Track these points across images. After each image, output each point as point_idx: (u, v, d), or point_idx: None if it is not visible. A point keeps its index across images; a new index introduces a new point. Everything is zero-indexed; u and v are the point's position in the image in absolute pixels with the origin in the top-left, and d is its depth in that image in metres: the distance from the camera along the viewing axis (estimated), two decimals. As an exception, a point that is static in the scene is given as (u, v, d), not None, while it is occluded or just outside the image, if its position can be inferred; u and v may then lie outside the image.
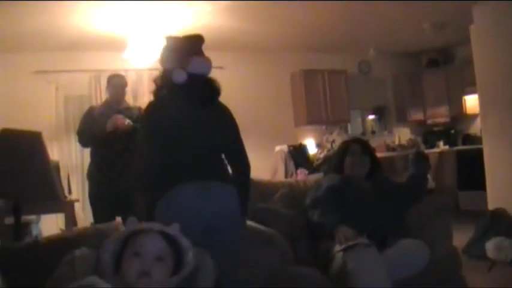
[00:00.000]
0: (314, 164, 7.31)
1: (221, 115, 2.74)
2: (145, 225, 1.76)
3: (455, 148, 8.66)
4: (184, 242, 1.74)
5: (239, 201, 2.61)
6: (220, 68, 7.80)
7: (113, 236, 1.70)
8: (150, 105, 2.69)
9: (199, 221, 2.37)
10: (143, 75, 6.95)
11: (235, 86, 7.93)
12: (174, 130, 2.57)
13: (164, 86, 2.66)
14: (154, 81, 2.71)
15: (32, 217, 4.67)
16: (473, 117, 8.37)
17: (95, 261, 1.65)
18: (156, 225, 1.74)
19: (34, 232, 4.69)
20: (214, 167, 2.64)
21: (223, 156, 2.73)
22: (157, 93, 2.70)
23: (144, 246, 1.65)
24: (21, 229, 3.31)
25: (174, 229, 1.76)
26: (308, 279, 2.77)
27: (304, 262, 2.93)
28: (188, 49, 2.67)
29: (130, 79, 6.15)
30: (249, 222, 3.02)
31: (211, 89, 2.70)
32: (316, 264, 2.88)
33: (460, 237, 4.93)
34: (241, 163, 2.78)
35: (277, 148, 7.54)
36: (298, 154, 7.32)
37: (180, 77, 2.58)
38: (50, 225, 5.25)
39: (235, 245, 2.53)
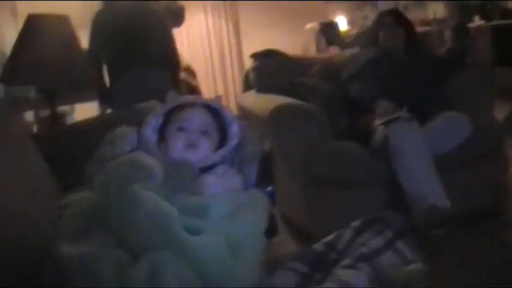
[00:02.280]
0: (346, 41, 7.13)
1: None
2: (188, 98, 1.69)
3: (492, 23, 8.30)
4: (228, 115, 1.67)
5: None
6: None
7: (154, 111, 1.64)
8: None
9: None
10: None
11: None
12: None
13: None
14: None
15: (66, 108, 4.67)
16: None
17: (136, 138, 1.59)
18: (199, 98, 1.67)
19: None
20: None
21: None
22: None
23: (189, 121, 1.57)
24: (57, 120, 3.30)
25: (217, 102, 1.68)
26: (347, 152, 2.75)
27: (342, 137, 2.89)
28: None
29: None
30: (286, 98, 2.97)
31: None
32: (355, 139, 2.84)
33: (498, 114, 4.80)
34: None
35: (308, 25, 7.34)
36: (329, 31, 7.13)
37: None
38: (85, 116, 5.24)
39: None
